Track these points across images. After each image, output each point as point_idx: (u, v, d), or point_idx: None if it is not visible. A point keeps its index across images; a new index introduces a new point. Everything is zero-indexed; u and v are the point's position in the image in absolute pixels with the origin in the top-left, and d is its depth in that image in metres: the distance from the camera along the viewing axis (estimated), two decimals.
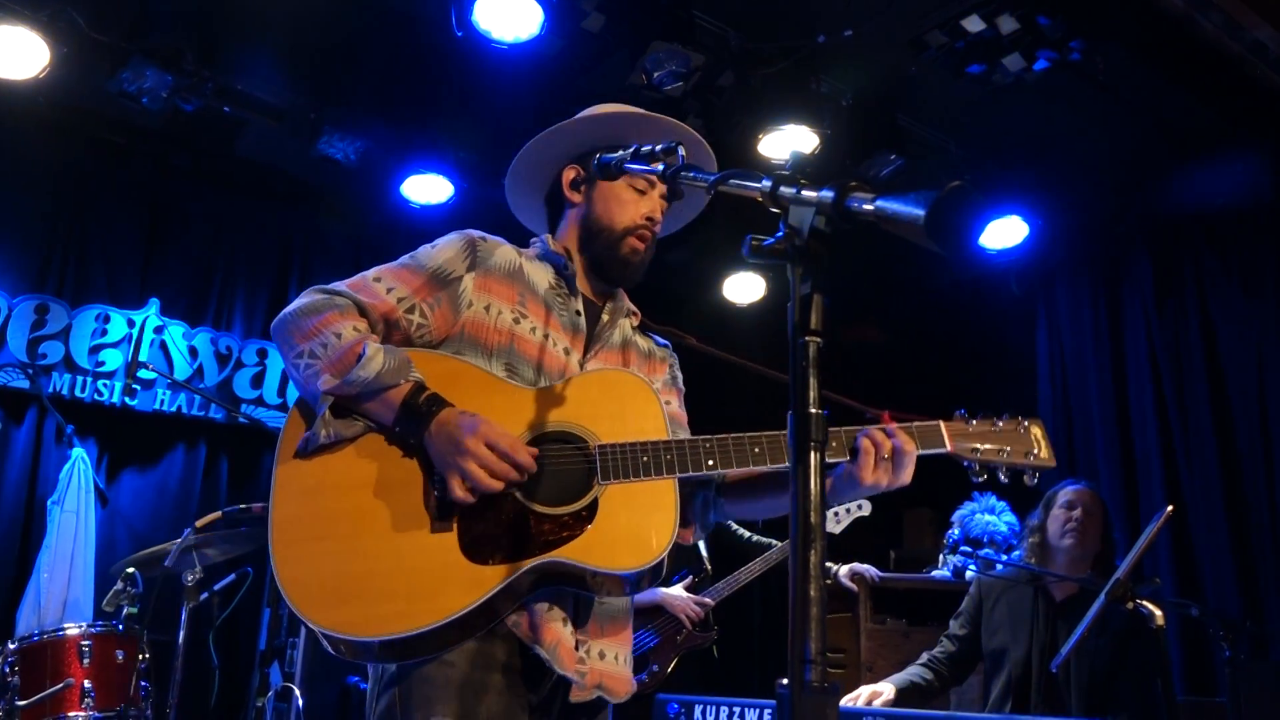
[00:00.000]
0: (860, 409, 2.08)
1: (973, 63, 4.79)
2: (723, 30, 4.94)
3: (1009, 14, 4.52)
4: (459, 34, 4.53)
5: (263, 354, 6.34)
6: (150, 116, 5.29)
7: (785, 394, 1.21)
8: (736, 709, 3.24)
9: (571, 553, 1.91)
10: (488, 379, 2.05)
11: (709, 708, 3.30)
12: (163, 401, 5.95)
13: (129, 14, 4.92)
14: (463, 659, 1.90)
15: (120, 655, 3.92)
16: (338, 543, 1.89)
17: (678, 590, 4.82)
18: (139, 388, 5.86)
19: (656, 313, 2.47)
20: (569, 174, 2.31)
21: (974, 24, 4.61)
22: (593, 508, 1.95)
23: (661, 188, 2.28)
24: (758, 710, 3.20)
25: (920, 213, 1.04)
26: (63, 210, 5.86)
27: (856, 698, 3.62)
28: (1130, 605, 3.04)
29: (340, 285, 2.07)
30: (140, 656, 4.00)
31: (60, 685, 3.76)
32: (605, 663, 2.06)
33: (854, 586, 5.35)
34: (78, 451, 5.45)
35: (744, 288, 7.23)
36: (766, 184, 1.33)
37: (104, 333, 5.86)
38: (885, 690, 3.69)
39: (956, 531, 5.52)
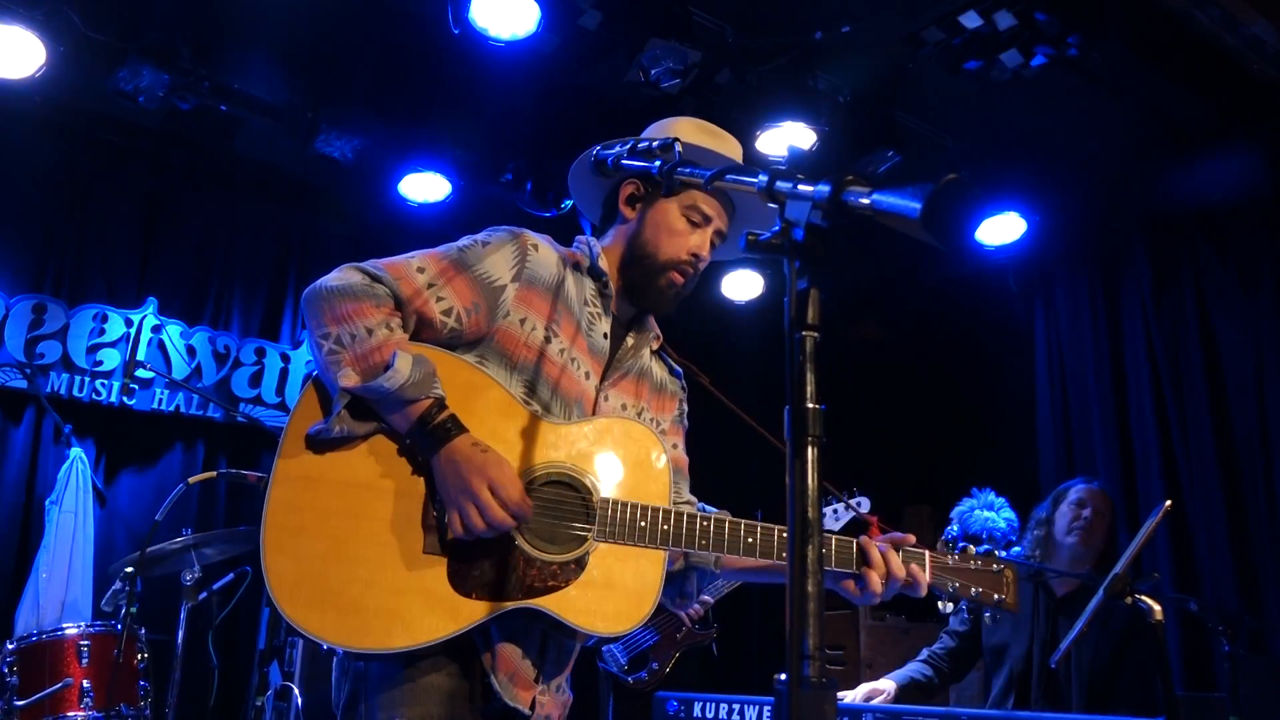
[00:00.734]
0: (855, 510, 2.15)
1: (970, 59, 4.79)
2: (720, 27, 4.93)
3: (1006, 10, 4.51)
4: (456, 32, 4.52)
5: (261, 353, 6.34)
6: (147, 115, 5.29)
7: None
8: (736, 706, 3.24)
9: (553, 604, 1.94)
10: (508, 401, 2.03)
11: (708, 705, 3.30)
12: (161, 401, 5.94)
13: (125, 13, 4.91)
14: (428, 662, 1.92)
15: (119, 655, 3.91)
16: (329, 542, 1.88)
17: None
18: (137, 387, 5.86)
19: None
20: (628, 188, 2.27)
21: (971, 20, 4.60)
22: (582, 561, 1.97)
23: (719, 224, 2.25)
24: (757, 707, 3.20)
25: (915, 206, 1.04)
26: (60, 209, 5.86)
27: (856, 695, 3.62)
28: (1129, 600, 3.04)
29: (381, 269, 2.01)
30: (139, 656, 4.00)
31: (59, 685, 3.76)
32: (558, 695, 2.11)
33: None
34: (76, 451, 5.45)
35: (743, 285, 7.23)
36: (763, 179, 1.32)
37: (102, 332, 5.86)
38: (886, 687, 3.69)
39: (955, 528, 5.51)
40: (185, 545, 4.29)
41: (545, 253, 2.17)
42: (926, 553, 2.18)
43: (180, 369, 6.02)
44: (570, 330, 2.15)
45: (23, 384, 5.56)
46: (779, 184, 1.27)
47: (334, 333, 1.93)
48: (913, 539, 2.17)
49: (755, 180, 1.35)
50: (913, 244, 1.13)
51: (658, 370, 2.36)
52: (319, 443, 1.93)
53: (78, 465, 5.42)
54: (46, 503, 5.35)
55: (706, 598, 4.86)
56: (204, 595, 4.18)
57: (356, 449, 1.95)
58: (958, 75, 4.87)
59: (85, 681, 3.81)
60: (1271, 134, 5.41)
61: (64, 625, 4.04)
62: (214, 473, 4.08)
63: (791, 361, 1.17)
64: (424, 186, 5.97)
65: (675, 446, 2.34)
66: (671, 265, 2.21)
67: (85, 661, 3.84)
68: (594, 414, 2.15)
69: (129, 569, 4.07)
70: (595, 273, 2.24)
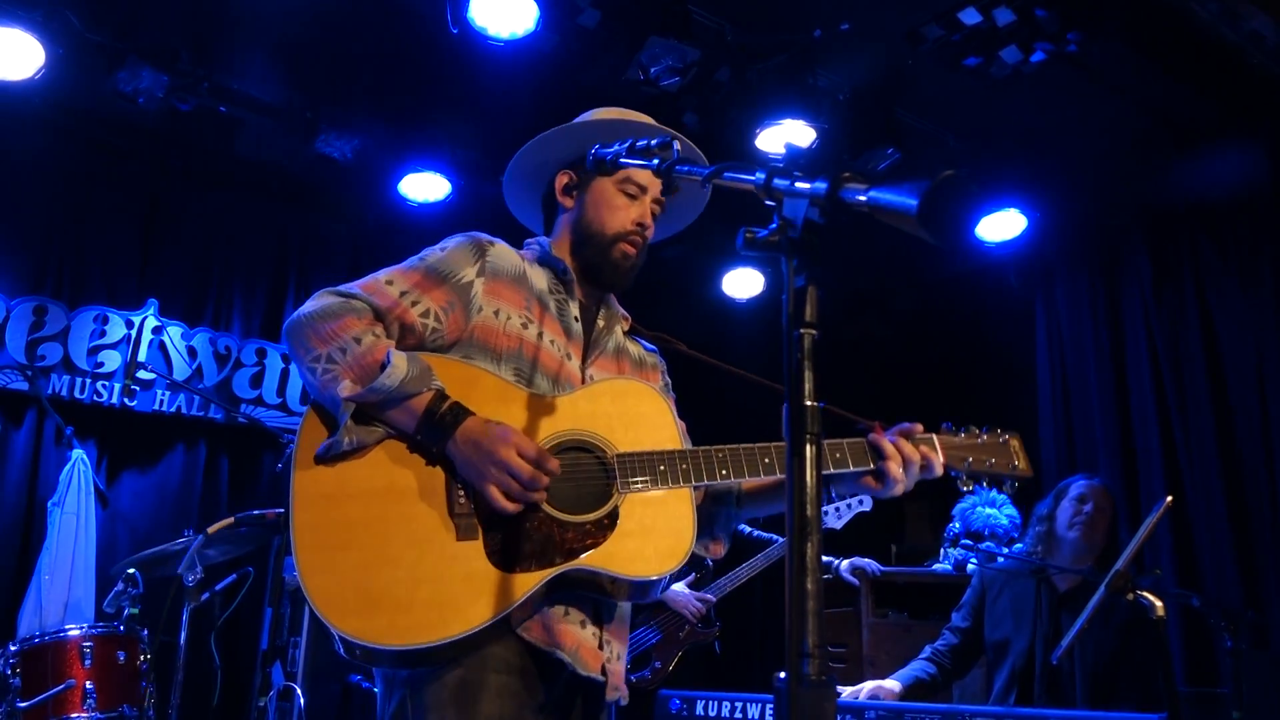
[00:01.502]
0: (852, 419, 2.16)
1: (969, 55, 4.78)
2: (719, 25, 4.93)
3: (1005, 6, 4.51)
4: (454, 31, 4.52)
5: (261, 354, 6.34)
6: (146, 116, 5.29)
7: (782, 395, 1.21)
8: (739, 704, 3.24)
9: (596, 560, 1.96)
10: (503, 385, 2.07)
11: (711, 703, 3.30)
12: (162, 402, 5.95)
13: (124, 14, 4.91)
14: (474, 662, 1.91)
15: (122, 656, 3.91)
16: (364, 551, 1.89)
17: (680, 587, 4.82)
18: (138, 388, 5.86)
19: (656, 309, 2.48)
20: (562, 179, 2.34)
21: (970, 16, 4.60)
22: (613, 515, 2.00)
23: (654, 192, 2.31)
24: (760, 705, 3.20)
25: (913, 203, 1.04)
26: (60, 211, 5.86)
27: (859, 692, 3.61)
28: (1130, 596, 3.04)
29: (353, 288, 2.07)
30: (142, 657, 4.00)
31: (62, 686, 3.76)
32: (620, 664, 2.13)
33: (855, 581, 5.36)
34: (77, 453, 5.45)
35: (743, 283, 7.23)
36: (761, 176, 1.32)
37: (103, 334, 5.86)
38: (891, 688, 3.68)
39: (957, 525, 5.53)
40: (188, 546, 4.29)
41: (502, 248, 2.23)
42: (934, 435, 2.23)
43: (181, 370, 6.03)
44: (545, 316, 2.20)
45: (24, 386, 5.56)
46: (776, 181, 1.27)
47: (323, 352, 1.96)
48: (919, 427, 2.21)
49: (752, 177, 1.35)
50: (913, 241, 1.13)
51: (633, 348, 2.41)
52: (330, 460, 1.94)
53: (79, 467, 5.43)
54: (48, 504, 5.36)
55: (709, 596, 4.86)
56: (206, 596, 4.18)
57: (368, 458, 1.97)
58: (957, 72, 4.87)
59: (88, 683, 3.80)
60: (1271, 129, 5.41)
61: (66, 627, 4.04)
62: (231, 519, 4.05)
63: (790, 359, 1.17)
64: (424, 186, 5.97)
65: None
66: (620, 238, 2.27)
67: (88, 663, 3.83)
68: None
69: (131, 570, 4.07)
70: (550, 262, 2.30)
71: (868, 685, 3.66)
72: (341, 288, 2.06)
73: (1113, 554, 3.86)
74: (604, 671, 2.04)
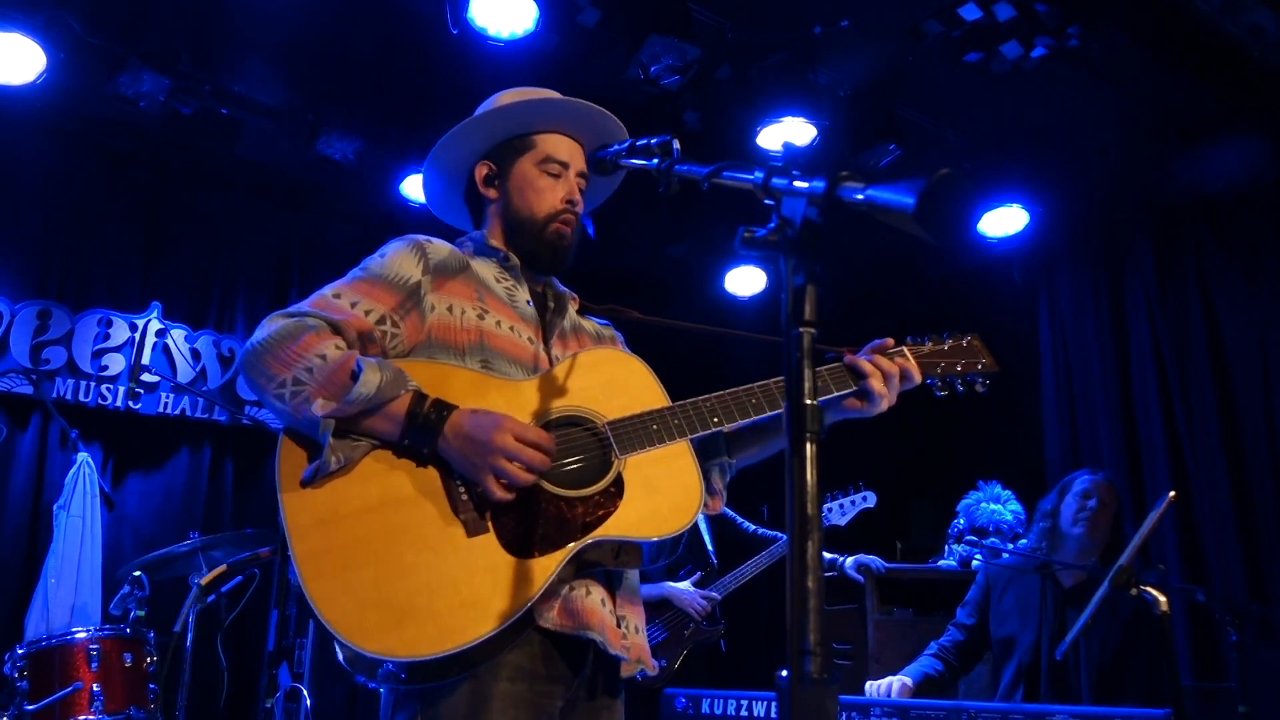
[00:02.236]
0: (821, 349, 2.16)
1: (970, 51, 4.77)
2: (719, 23, 4.92)
3: (1006, 1, 4.50)
4: (454, 31, 4.52)
5: None
6: (148, 120, 5.29)
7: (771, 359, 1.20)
8: (744, 702, 3.25)
9: (613, 529, 1.94)
10: (477, 378, 2.03)
11: (716, 701, 3.31)
12: (166, 404, 5.96)
13: (125, 17, 4.91)
14: (487, 672, 1.87)
15: (128, 658, 3.92)
16: (375, 567, 1.83)
17: (685, 585, 4.82)
18: (142, 391, 5.86)
19: (658, 306, 2.48)
20: (481, 170, 2.29)
21: (971, 12, 4.59)
22: (619, 483, 1.99)
23: (578, 166, 2.27)
24: (765, 703, 3.21)
25: (909, 201, 1.04)
26: (62, 215, 5.87)
27: (880, 688, 3.62)
28: (1135, 591, 3.04)
29: (303, 306, 2.00)
30: (148, 659, 4.01)
31: (69, 689, 3.77)
32: (639, 636, 2.10)
33: (860, 578, 5.36)
34: (82, 456, 5.46)
35: (746, 280, 7.23)
36: (759, 176, 1.33)
37: (106, 337, 5.87)
38: (906, 682, 3.69)
39: (962, 521, 5.53)
40: (193, 548, 4.31)
41: (441, 245, 2.19)
42: (904, 347, 2.31)
43: (185, 373, 6.03)
44: (497, 303, 2.16)
45: (29, 390, 5.57)
46: (774, 180, 1.28)
47: (288, 376, 1.88)
48: (890, 341, 2.29)
49: (751, 177, 1.35)
50: (914, 237, 1.14)
51: (589, 326, 2.38)
52: (317, 484, 1.88)
53: (85, 470, 5.44)
54: (54, 508, 5.36)
55: (714, 594, 4.86)
56: (212, 598, 4.19)
57: (357, 473, 1.91)
58: (958, 68, 4.86)
59: (95, 685, 3.81)
60: (1273, 122, 5.40)
61: (73, 629, 4.06)
62: (223, 567, 4.03)
63: (789, 358, 1.17)
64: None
65: None
66: (551, 219, 2.23)
67: (95, 665, 3.84)
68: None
69: (137, 572, 4.08)
70: (489, 251, 2.25)
71: (888, 681, 3.67)
72: (291, 309, 2.00)
73: (1117, 549, 3.86)
74: (625, 650, 2.02)
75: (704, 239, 6.87)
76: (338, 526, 1.86)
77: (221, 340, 6.22)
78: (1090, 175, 6.11)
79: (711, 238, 6.81)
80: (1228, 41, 4.79)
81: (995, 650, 3.98)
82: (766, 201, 1.30)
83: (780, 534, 5.14)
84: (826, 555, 5.35)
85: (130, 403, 5.83)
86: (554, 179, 2.24)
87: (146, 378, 5.82)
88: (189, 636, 4.01)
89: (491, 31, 4.55)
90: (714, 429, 2.08)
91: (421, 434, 1.90)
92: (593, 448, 2.02)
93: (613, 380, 2.11)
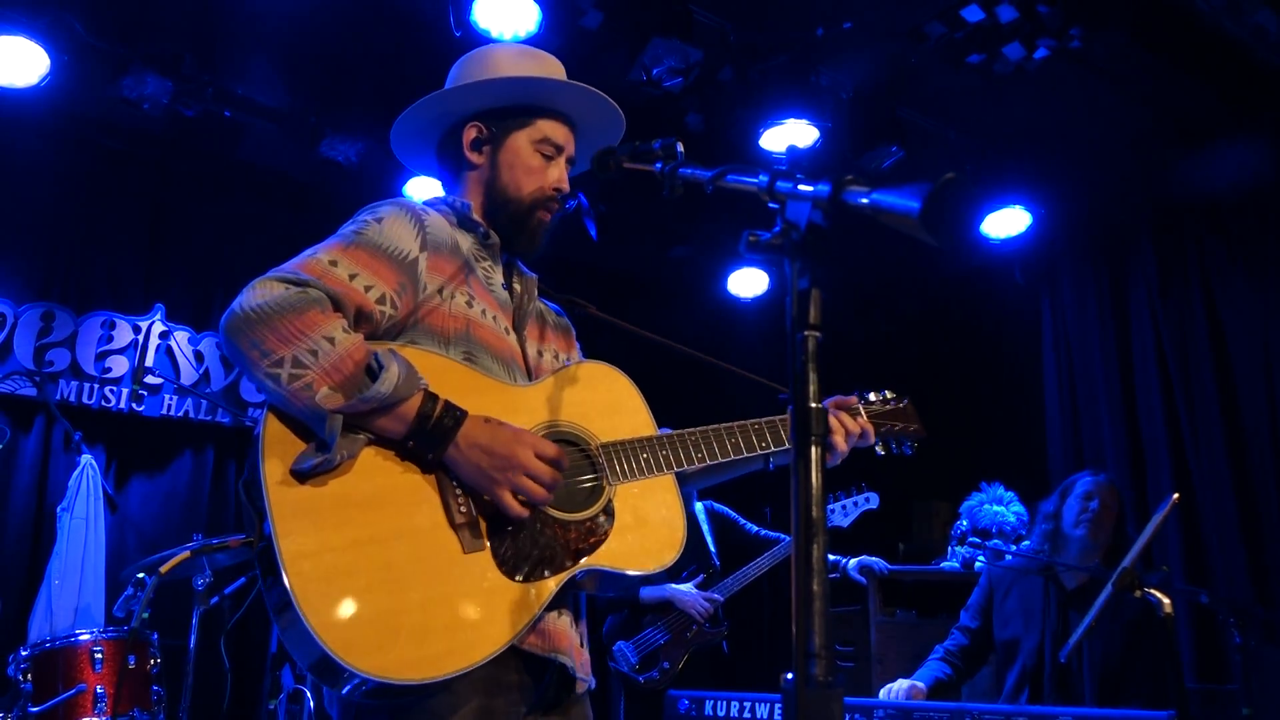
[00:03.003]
0: (776, 388, 2.19)
1: (972, 53, 4.78)
2: (721, 25, 4.93)
3: (1008, 3, 4.51)
4: (457, 34, 4.53)
5: None
6: (151, 122, 5.30)
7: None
8: (747, 704, 3.24)
9: (604, 559, 1.91)
10: (473, 376, 1.93)
11: (719, 703, 3.31)
12: (170, 406, 5.96)
13: (128, 20, 4.92)
14: (465, 687, 1.77)
15: (132, 660, 3.93)
16: (366, 576, 1.70)
17: (687, 587, 4.82)
18: (146, 393, 5.87)
19: (660, 307, 2.46)
20: (470, 132, 2.17)
21: (973, 13, 4.60)
22: (609, 510, 1.96)
23: (569, 151, 2.19)
24: (768, 705, 3.20)
25: (915, 205, 1.04)
26: (66, 217, 5.87)
27: (895, 691, 3.62)
28: (1138, 593, 3.04)
29: (298, 272, 1.80)
30: (152, 661, 4.01)
31: (73, 691, 3.78)
32: (584, 650, 2.05)
33: (863, 580, 5.36)
34: (86, 458, 5.46)
35: (748, 282, 7.23)
36: (764, 179, 1.33)
37: (110, 339, 5.87)
38: (920, 686, 3.70)
39: (964, 523, 5.53)
40: (196, 550, 4.30)
41: (436, 217, 2.06)
42: (860, 406, 2.35)
43: (189, 374, 6.04)
44: (479, 288, 2.05)
45: (32, 392, 5.58)
46: (779, 184, 1.28)
47: (285, 355, 1.71)
48: (854, 400, 2.34)
49: (755, 180, 1.35)
50: (918, 240, 1.13)
51: (549, 313, 2.29)
52: (308, 478, 1.73)
53: (88, 472, 5.44)
54: (58, 510, 5.37)
55: (716, 596, 4.86)
56: (216, 600, 4.20)
57: (352, 470, 1.76)
58: (960, 69, 4.87)
59: (99, 687, 3.82)
60: (1275, 122, 5.40)
61: (77, 631, 4.06)
62: (186, 552, 3.92)
63: (793, 362, 1.17)
64: (428, 188, 5.98)
65: None
66: (538, 204, 2.14)
67: (98, 667, 3.85)
68: (525, 365, 2.08)
69: (140, 574, 4.08)
70: (470, 225, 2.13)
71: (901, 685, 3.66)
72: (286, 272, 1.80)
73: (1120, 550, 3.86)
74: (583, 667, 1.99)
75: (707, 241, 6.88)
76: (328, 528, 1.72)
77: None
78: (1093, 176, 6.11)
79: (714, 239, 6.82)
80: (1230, 42, 4.79)
81: (998, 652, 3.98)
82: (771, 205, 1.30)
83: (783, 535, 5.14)
84: (829, 557, 5.35)
85: (134, 405, 5.84)
86: (546, 160, 2.15)
87: (150, 380, 5.83)
88: (192, 638, 4.01)
89: (494, 33, 4.55)
90: (696, 465, 2.08)
91: (431, 438, 1.78)
92: (585, 470, 1.97)
93: (605, 398, 2.07)
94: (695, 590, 4.82)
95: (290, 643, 1.73)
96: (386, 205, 2.03)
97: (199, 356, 6.13)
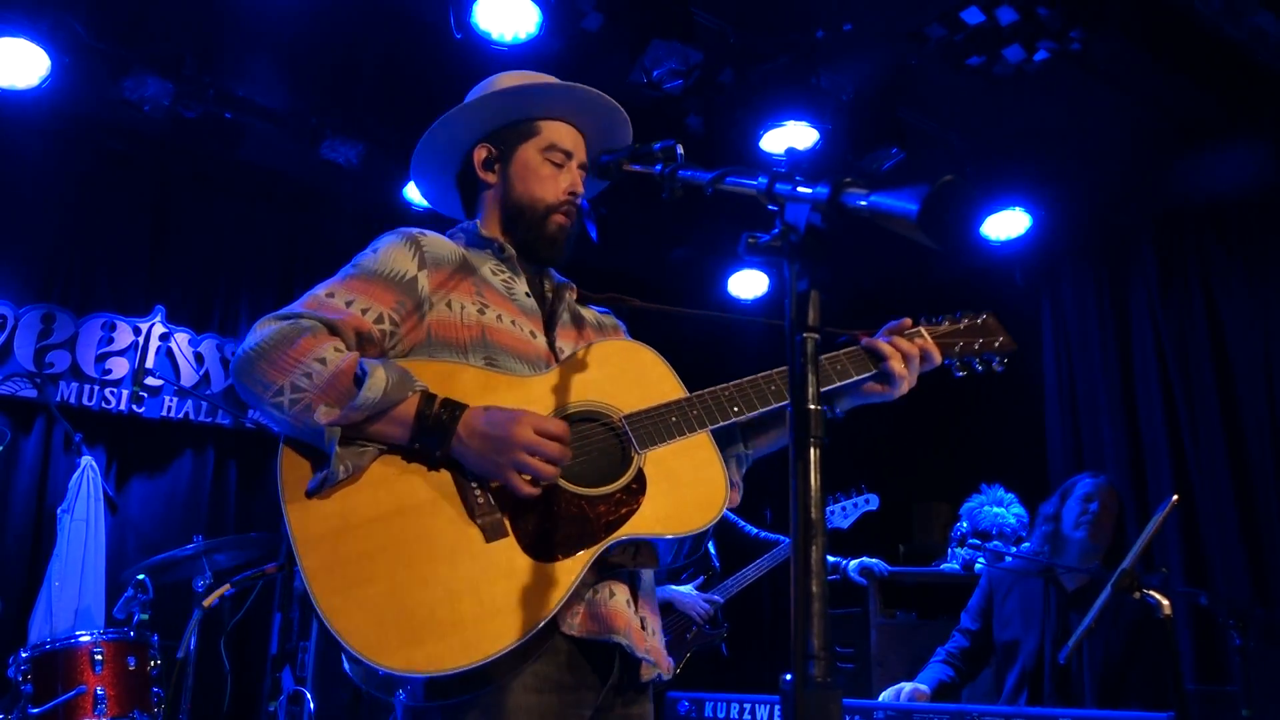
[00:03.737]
0: (834, 332, 2.12)
1: (973, 55, 4.78)
2: (722, 27, 4.93)
3: (1008, 5, 4.51)
4: (458, 36, 4.53)
5: None
6: (152, 124, 5.30)
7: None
8: (746, 705, 3.25)
9: (638, 526, 1.87)
10: (485, 375, 1.95)
11: (719, 704, 3.31)
12: (170, 408, 5.97)
13: (129, 22, 4.93)
14: (512, 684, 1.78)
15: (132, 662, 3.93)
16: (390, 580, 1.74)
17: (687, 589, 4.82)
18: (146, 395, 5.88)
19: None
20: (480, 153, 2.20)
21: (973, 16, 4.60)
22: (640, 478, 1.92)
23: (580, 156, 2.20)
24: (767, 706, 3.21)
25: (913, 208, 1.05)
26: (67, 219, 5.88)
27: (901, 694, 3.62)
28: (1138, 595, 3.04)
29: (296, 308, 1.91)
30: (152, 663, 4.01)
31: (73, 693, 3.78)
32: (658, 639, 2.03)
33: (864, 581, 5.36)
34: (86, 460, 5.47)
35: (748, 283, 7.24)
36: (763, 182, 1.33)
37: (110, 340, 5.88)
38: (924, 689, 3.70)
39: (965, 524, 5.53)
40: (197, 552, 4.31)
41: (436, 238, 2.11)
42: (921, 327, 2.23)
43: (189, 376, 6.05)
44: (497, 298, 2.07)
45: (32, 393, 5.58)
46: (778, 186, 1.28)
47: (285, 383, 1.79)
48: (908, 321, 2.22)
49: (755, 183, 1.35)
50: (916, 241, 1.14)
51: (589, 315, 2.30)
52: (324, 495, 1.79)
53: (88, 473, 5.45)
54: (58, 511, 5.37)
55: (716, 598, 4.86)
56: (216, 602, 4.20)
57: (366, 480, 1.82)
58: (960, 71, 4.87)
59: (99, 689, 3.82)
60: (1275, 125, 5.40)
61: (77, 633, 4.06)
62: (227, 585, 3.94)
63: (792, 363, 1.17)
64: None
65: None
66: (554, 208, 2.15)
67: (99, 669, 3.85)
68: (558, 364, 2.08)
69: (140, 576, 4.08)
70: (482, 243, 2.17)
71: (906, 688, 3.67)
72: (282, 311, 1.91)
73: (1120, 552, 3.87)
74: (649, 652, 1.94)
75: (707, 242, 6.88)
76: (348, 538, 1.77)
77: (225, 344, 6.23)
78: (1093, 178, 6.11)
79: (714, 241, 6.82)
80: (1230, 44, 4.79)
81: (998, 654, 3.98)
82: (770, 207, 1.30)
83: (782, 537, 5.14)
84: (829, 558, 5.35)
85: (134, 406, 5.84)
86: (557, 168, 2.17)
87: (150, 381, 5.83)
88: (192, 640, 4.01)
89: (495, 35, 4.56)
90: (734, 419, 2.02)
91: (433, 436, 1.82)
92: (611, 443, 1.94)
93: (626, 372, 2.04)
94: (695, 592, 4.82)
95: (347, 662, 1.79)
96: (383, 236, 2.09)
97: (199, 358, 6.13)
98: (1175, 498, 3.43)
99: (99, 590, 5.27)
